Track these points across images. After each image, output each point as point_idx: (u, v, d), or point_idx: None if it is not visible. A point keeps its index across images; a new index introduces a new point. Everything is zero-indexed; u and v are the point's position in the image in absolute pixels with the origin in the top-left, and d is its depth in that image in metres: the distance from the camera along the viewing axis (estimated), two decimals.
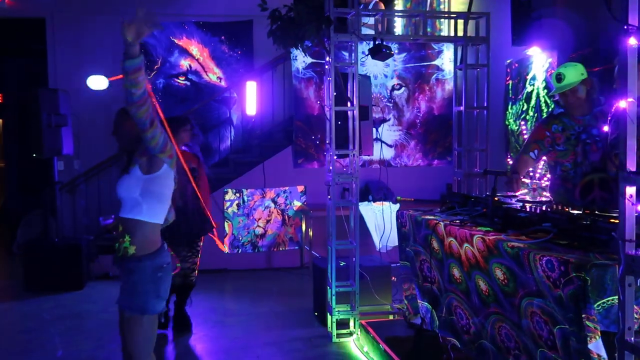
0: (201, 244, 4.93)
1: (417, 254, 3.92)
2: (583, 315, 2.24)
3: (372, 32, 6.04)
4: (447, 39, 4.97)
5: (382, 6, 7.02)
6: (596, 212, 2.96)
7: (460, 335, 3.33)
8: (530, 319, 2.72)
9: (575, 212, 3.07)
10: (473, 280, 3.14)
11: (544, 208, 3.05)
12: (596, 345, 2.22)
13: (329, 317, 4.82)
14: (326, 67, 4.77)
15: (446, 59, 7.72)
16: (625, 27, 1.98)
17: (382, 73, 7.59)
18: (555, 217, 2.93)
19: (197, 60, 8.27)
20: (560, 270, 2.39)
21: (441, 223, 3.51)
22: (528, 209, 3.18)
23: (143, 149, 2.71)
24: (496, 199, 3.60)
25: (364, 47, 5.45)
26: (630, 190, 2.05)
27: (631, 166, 2.04)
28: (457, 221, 3.47)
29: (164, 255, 2.79)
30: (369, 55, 4.73)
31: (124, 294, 2.77)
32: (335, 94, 4.68)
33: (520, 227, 3.10)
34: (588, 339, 2.21)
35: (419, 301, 4.06)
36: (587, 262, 2.30)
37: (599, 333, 2.22)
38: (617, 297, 2.21)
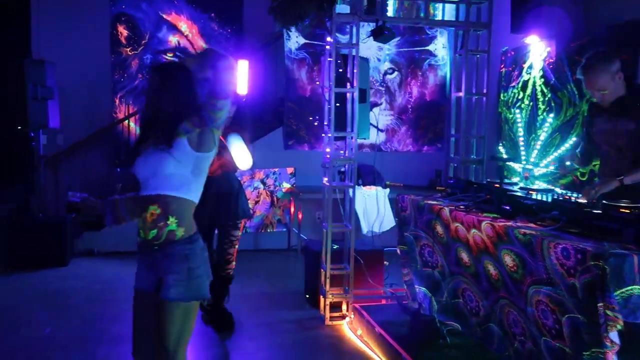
0: (238, 232, 4.51)
1: (418, 239, 3.91)
2: (601, 304, 2.24)
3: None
4: (449, 24, 4.92)
5: None
6: (603, 201, 2.97)
7: (468, 317, 3.33)
8: (536, 307, 2.72)
9: (583, 200, 3.08)
10: (482, 265, 3.13)
11: (555, 196, 3.04)
12: (613, 333, 2.23)
13: (322, 299, 4.80)
14: (327, 47, 4.70)
15: (439, 44, 7.70)
16: None
17: (375, 57, 7.53)
18: (564, 206, 2.93)
19: (186, 36, 8.12)
20: (577, 259, 2.39)
21: (446, 208, 3.50)
22: (534, 197, 3.18)
23: (198, 119, 2.40)
24: (497, 185, 3.61)
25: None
26: None
27: None
28: (462, 207, 3.46)
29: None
30: (371, 37, 4.68)
31: (175, 285, 2.43)
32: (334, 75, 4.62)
33: (528, 214, 3.10)
34: (608, 327, 2.22)
35: (416, 287, 4.06)
36: (605, 250, 2.30)
37: (621, 322, 2.23)
38: (635, 286, 2.21)
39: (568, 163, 3.64)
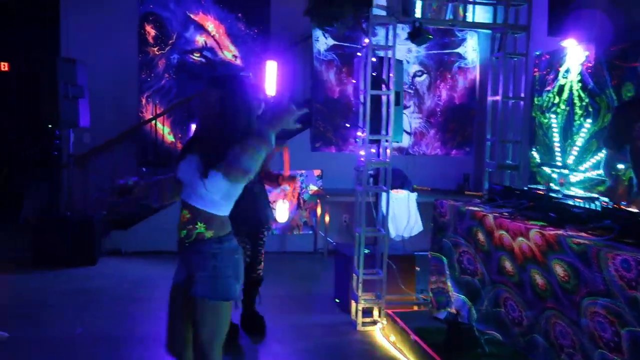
0: (266, 233, 4.51)
1: (457, 245, 3.83)
2: None
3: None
4: (487, 26, 4.84)
5: None
6: None
7: (510, 327, 3.24)
8: (591, 319, 2.64)
9: (634, 209, 2.99)
10: (528, 274, 3.05)
11: (605, 205, 2.95)
12: None
13: (353, 304, 4.73)
14: (363, 49, 4.64)
15: (469, 47, 7.60)
16: None
17: (403, 59, 7.44)
18: (617, 214, 2.84)
19: (213, 36, 8.09)
20: (638, 270, 2.30)
21: (490, 215, 3.41)
22: (583, 205, 3.10)
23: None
24: (540, 192, 3.52)
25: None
26: None
27: None
28: (506, 214, 3.38)
29: (234, 239, 2.64)
30: (408, 39, 4.62)
31: (201, 281, 2.49)
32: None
33: (576, 223, 3.01)
34: None
35: (454, 294, 3.97)
36: None
37: None
38: None
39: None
